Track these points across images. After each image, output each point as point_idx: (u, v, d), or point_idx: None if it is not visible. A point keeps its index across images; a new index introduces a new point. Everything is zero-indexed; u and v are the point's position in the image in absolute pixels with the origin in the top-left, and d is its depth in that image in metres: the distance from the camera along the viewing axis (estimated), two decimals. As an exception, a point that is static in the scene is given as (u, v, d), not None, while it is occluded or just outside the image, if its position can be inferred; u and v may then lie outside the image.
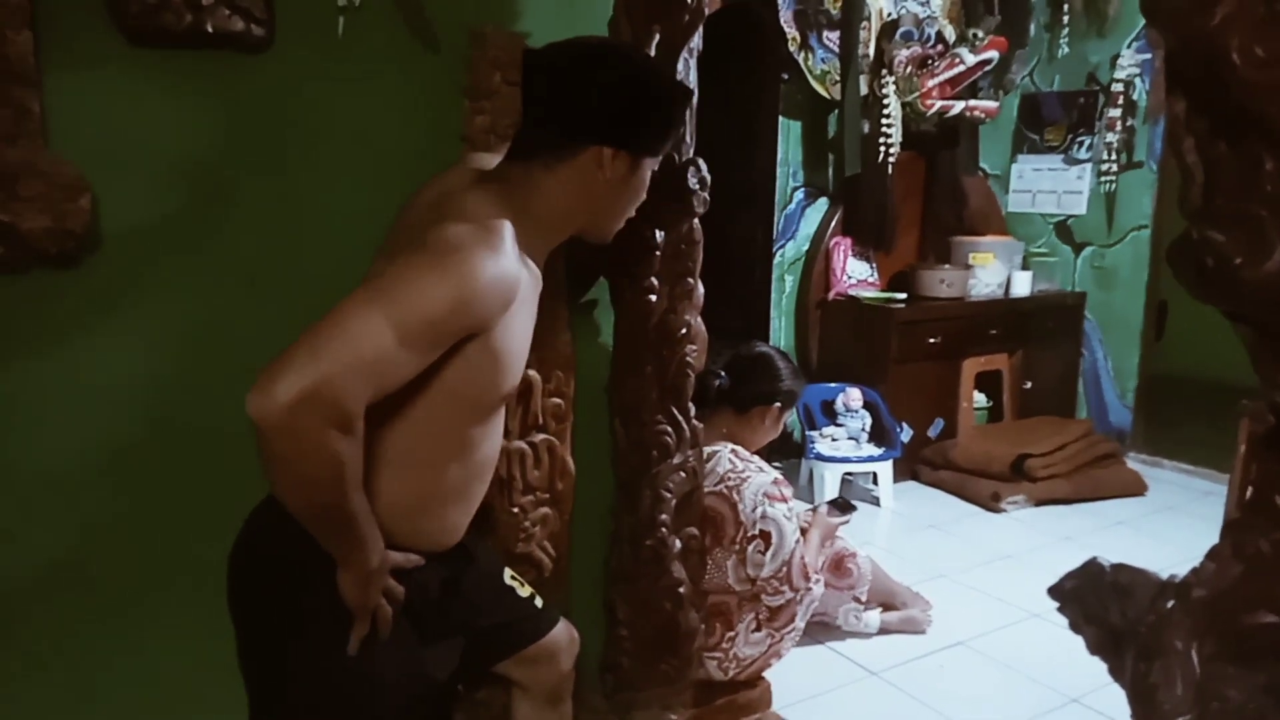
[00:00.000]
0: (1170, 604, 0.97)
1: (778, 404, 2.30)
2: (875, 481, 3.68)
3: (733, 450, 2.21)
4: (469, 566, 1.39)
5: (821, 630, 2.56)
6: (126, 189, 1.35)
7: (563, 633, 1.54)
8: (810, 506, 2.61)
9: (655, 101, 1.28)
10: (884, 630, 2.61)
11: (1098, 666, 1.11)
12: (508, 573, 1.50)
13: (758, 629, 2.16)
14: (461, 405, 1.21)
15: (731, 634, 2.15)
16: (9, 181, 1.21)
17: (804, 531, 2.39)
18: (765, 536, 2.12)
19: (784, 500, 2.16)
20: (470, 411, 1.23)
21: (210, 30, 1.32)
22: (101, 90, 1.32)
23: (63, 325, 1.35)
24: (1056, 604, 1.17)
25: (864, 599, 2.58)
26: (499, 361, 1.19)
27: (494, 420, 1.30)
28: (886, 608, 2.64)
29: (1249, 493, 0.97)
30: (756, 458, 2.25)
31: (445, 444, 1.23)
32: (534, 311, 1.30)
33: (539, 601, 1.51)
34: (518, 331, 1.22)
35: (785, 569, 2.13)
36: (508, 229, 1.17)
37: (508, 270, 1.15)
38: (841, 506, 2.54)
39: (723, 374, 2.24)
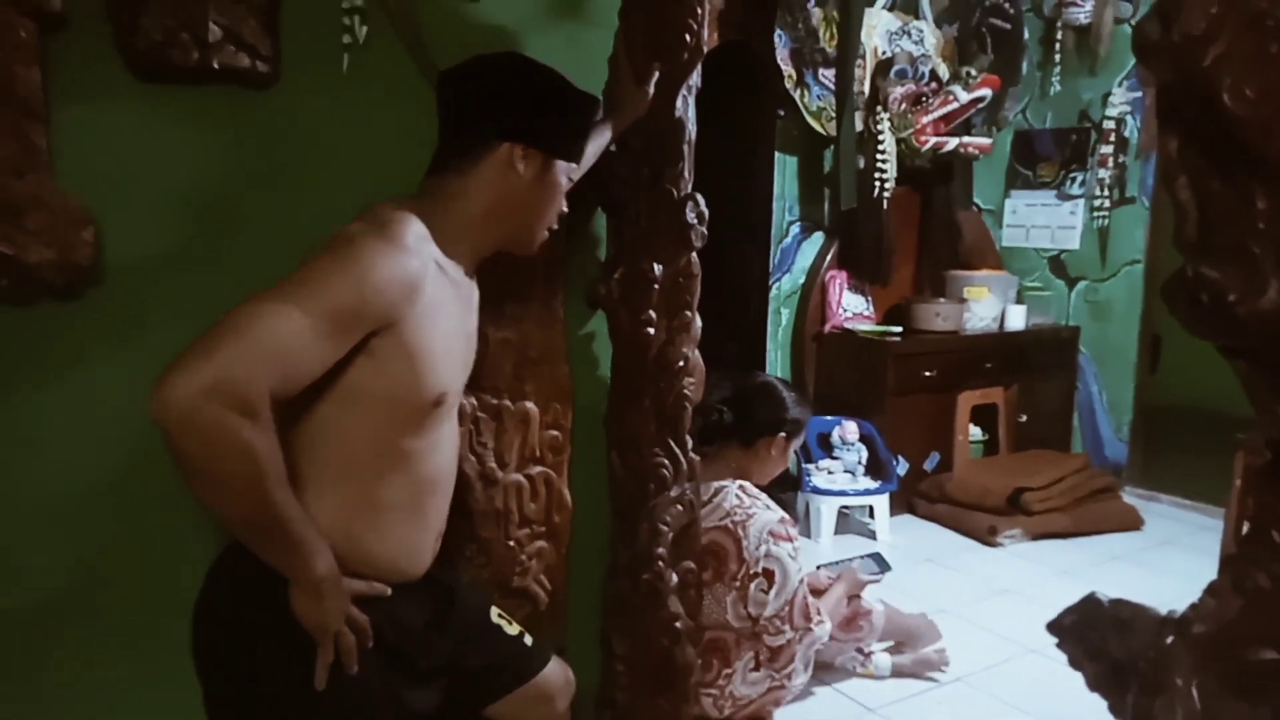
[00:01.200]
0: (1171, 639, 0.97)
1: (783, 434, 2.27)
2: (871, 515, 3.67)
3: (740, 486, 2.20)
4: (452, 605, 1.37)
5: (820, 668, 2.53)
6: (132, 222, 1.36)
7: (557, 672, 1.51)
8: (840, 560, 2.57)
9: (561, 101, 1.30)
10: (897, 673, 2.54)
11: (1097, 702, 1.11)
12: (495, 610, 1.47)
13: (756, 668, 2.14)
14: (383, 411, 1.19)
15: (729, 671, 2.13)
16: (15, 214, 1.22)
17: (817, 591, 2.37)
18: (768, 574, 2.10)
19: (789, 540, 2.14)
20: (395, 418, 1.20)
21: (217, 66, 1.33)
22: (108, 125, 1.33)
23: (68, 356, 1.36)
24: (1056, 639, 1.17)
25: (867, 651, 2.54)
26: (415, 361, 1.18)
27: (433, 431, 1.26)
28: (900, 646, 2.60)
29: (1246, 527, 0.97)
30: (764, 495, 2.23)
31: (377, 455, 1.21)
32: (462, 318, 1.30)
33: (529, 640, 1.49)
34: (435, 333, 1.20)
35: (788, 608, 2.11)
36: (409, 223, 1.18)
37: (407, 262, 1.15)
38: (877, 561, 2.52)
39: (724, 408, 2.22)
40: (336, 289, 1.09)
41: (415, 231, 1.18)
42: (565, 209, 1.38)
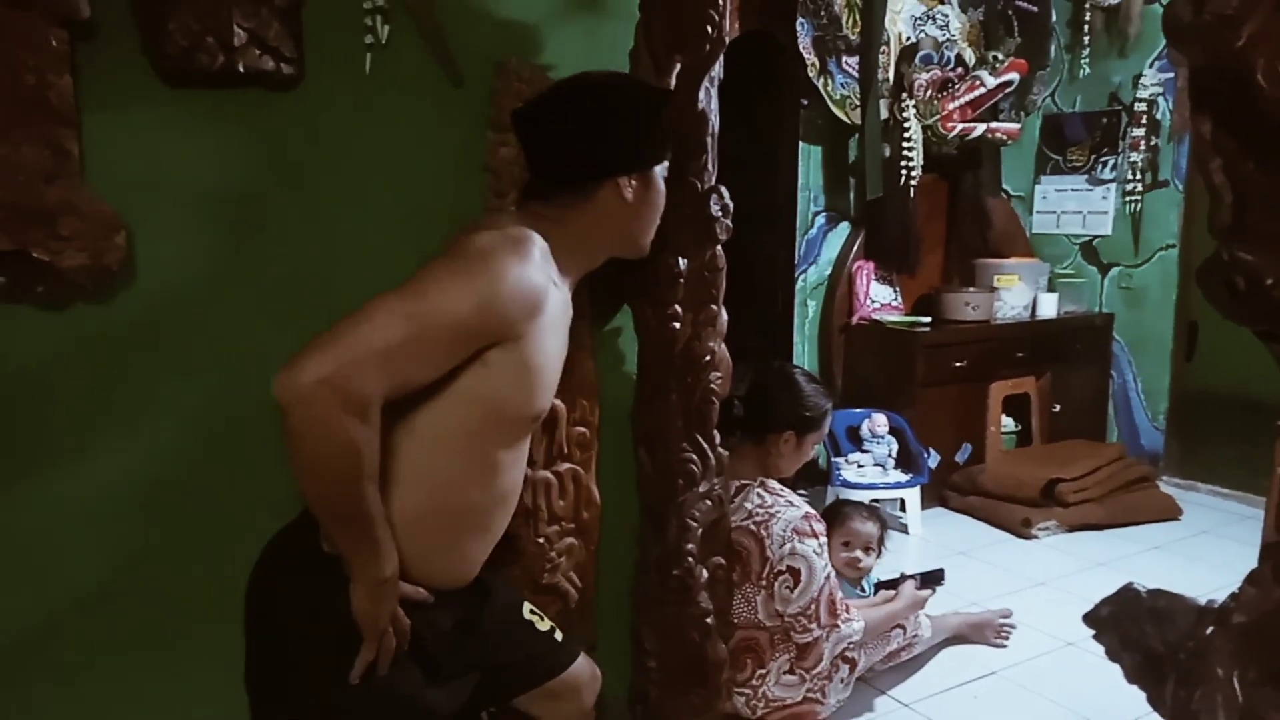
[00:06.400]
0: (1210, 629, 0.95)
1: (792, 431, 2.20)
2: (903, 508, 3.64)
3: (762, 484, 2.17)
4: (486, 604, 1.38)
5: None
6: (162, 225, 1.38)
7: (584, 668, 1.52)
8: (892, 578, 2.51)
9: (650, 116, 1.34)
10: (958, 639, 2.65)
11: (1135, 694, 1.09)
12: (527, 606, 1.49)
13: (791, 671, 2.13)
14: (486, 421, 1.21)
15: (763, 671, 2.11)
16: (48, 220, 1.25)
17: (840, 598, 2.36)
18: (794, 572, 2.08)
19: (814, 536, 2.11)
20: (498, 430, 1.23)
21: (242, 70, 1.35)
22: (137, 130, 1.35)
23: (100, 359, 1.38)
24: (1093, 631, 1.15)
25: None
26: (529, 377, 1.21)
27: (521, 446, 1.30)
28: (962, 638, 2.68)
29: (1288, 515, 0.95)
30: (787, 491, 2.20)
31: (470, 464, 1.23)
32: (565, 337, 1.32)
33: (559, 635, 1.50)
34: (549, 349, 1.24)
35: (814, 606, 2.09)
36: (537, 240, 1.22)
37: (534, 278, 1.18)
38: (932, 579, 2.47)
39: (737, 402, 2.15)
40: (464, 301, 1.13)
41: (539, 245, 1.22)
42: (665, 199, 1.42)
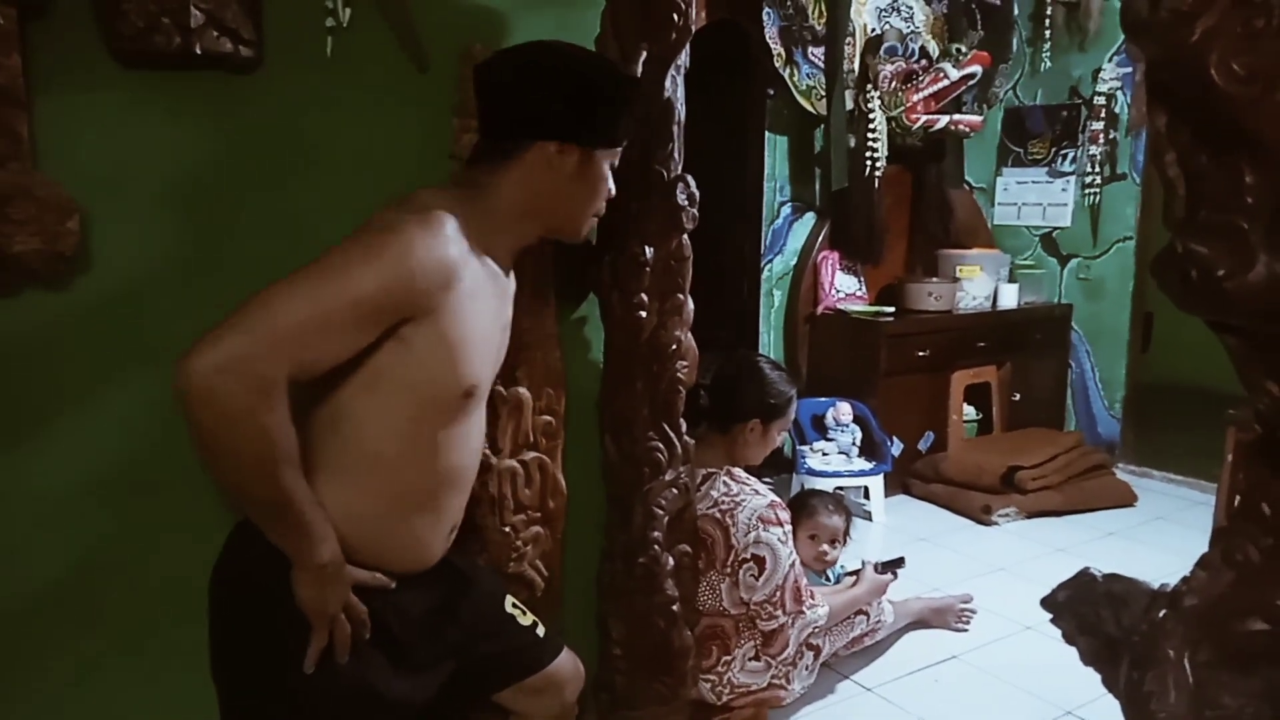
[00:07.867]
0: (1163, 613, 0.97)
1: (758, 419, 2.23)
2: (866, 496, 3.68)
3: (728, 472, 2.18)
4: (465, 593, 1.37)
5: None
6: (117, 210, 1.35)
7: (567, 663, 1.51)
8: (855, 567, 2.52)
9: (596, 92, 1.28)
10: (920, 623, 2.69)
11: (1092, 677, 1.12)
12: (509, 600, 1.48)
13: (756, 658, 2.15)
14: (411, 400, 1.18)
15: (728, 658, 2.13)
16: (-1, 204, 1.21)
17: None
18: (759, 560, 2.10)
19: (779, 524, 2.13)
20: (423, 408, 1.20)
21: (199, 52, 1.31)
22: (92, 113, 1.32)
23: (55, 347, 1.34)
24: (1050, 615, 1.17)
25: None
26: (450, 352, 1.17)
27: (463, 424, 1.26)
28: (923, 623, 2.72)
29: (1237, 500, 0.98)
30: (753, 479, 2.21)
31: (405, 445, 1.20)
32: (498, 309, 1.29)
33: (541, 630, 1.49)
34: (471, 322, 1.19)
35: (778, 593, 2.11)
36: (447, 216, 1.17)
37: (443, 251, 1.14)
38: (890, 565, 2.50)
39: (703, 392, 2.17)
40: (367, 278, 1.09)
41: (450, 221, 1.18)
42: (614, 192, 1.37)
